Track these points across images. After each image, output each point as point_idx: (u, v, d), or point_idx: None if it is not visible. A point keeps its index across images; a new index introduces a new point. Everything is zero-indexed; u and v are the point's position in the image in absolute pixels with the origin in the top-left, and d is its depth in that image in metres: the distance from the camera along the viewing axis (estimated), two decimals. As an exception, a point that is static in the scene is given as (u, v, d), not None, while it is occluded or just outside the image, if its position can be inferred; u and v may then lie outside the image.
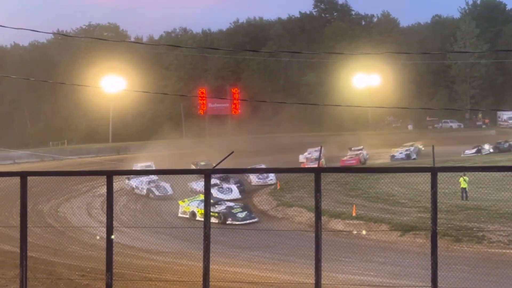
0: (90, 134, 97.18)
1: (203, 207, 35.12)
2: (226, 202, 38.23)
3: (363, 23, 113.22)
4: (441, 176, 12.57)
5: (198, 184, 42.18)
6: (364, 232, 29.82)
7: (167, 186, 44.92)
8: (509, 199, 32.00)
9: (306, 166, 53.90)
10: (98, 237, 29.47)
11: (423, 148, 65.90)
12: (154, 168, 53.72)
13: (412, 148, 65.11)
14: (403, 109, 71.32)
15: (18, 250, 14.17)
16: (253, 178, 49.89)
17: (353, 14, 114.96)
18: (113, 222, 13.70)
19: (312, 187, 12.98)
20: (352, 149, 64.84)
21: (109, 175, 14.04)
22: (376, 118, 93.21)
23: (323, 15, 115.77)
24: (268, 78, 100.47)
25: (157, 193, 44.48)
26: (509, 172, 18.62)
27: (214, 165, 14.22)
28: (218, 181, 44.71)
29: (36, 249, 24.96)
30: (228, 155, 14.29)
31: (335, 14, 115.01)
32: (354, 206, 34.60)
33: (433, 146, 16.16)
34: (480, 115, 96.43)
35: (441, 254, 12.97)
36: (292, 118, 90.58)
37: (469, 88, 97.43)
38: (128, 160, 64.46)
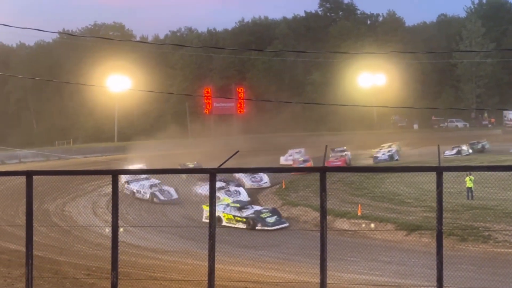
0: (96, 133, 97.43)
1: (229, 212, 34.59)
2: (252, 206, 36.79)
3: (369, 22, 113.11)
4: (446, 175, 12.53)
5: (203, 188, 40.48)
6: (372, 225, 29.71)
7: (171, 190, 43.20)
8: (515, 199, 31.95)
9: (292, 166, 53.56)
10: (107, 230, 29.56)
11: (400, 149, 65.41)
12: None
13: (394, 149, 64.27)
14: (409, 109, 71.15)
15: (24, 249, 14.19)
16: (247, 181, 48.33)
17: (359, 13, 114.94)
18: (119, 221, 13.69)
19: (317, 186, 12.95)
20: (336, 150, 63.62)
21: (114, 174, 14.05)
22: (382, 117, 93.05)
23: (328, 14, 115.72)
24: (273, 77, 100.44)
25: (161, 197, 42.91)
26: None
27: (219, 164, 14.18)
28: (223, 184, 43.56)
29: (42, 248, 25.02)
30: (233, 155, 14.28)
31: (340, 13, 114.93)
32: (359, 205, 34.58)
33: (438, 146, 16.15)
34: (486, 115, 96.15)
35: (446, 253, 12.92)
36: (297, 118, 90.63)
37: (475, 87, 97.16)
38: (131, 160, 64.18)
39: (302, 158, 58.28)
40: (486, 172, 31.79)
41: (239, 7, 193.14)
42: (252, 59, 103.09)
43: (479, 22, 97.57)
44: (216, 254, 13.13)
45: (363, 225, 31.22)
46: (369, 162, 61.51)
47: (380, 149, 65.37)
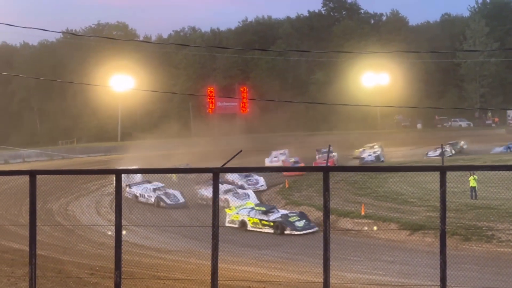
0: (99, 133, 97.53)
1: (254, 215, 33.61)
2: (278, 209, 34.97)
3: (372, 21, 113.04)
4: (450, 175, 12.51)
5: (209, 191, 40.36)
6: (375, 228, 29.66)
7: (177, 193, 41.73)
8: (518, 198, 31.92)
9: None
10: (109, 233, 29.59)
11: (383, 149, 64.97)
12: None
13: (379, 150, 63.62)
14: (412, 108, 71.05)
15: (27, 248, 14.21)
16: (242, 184, 46.71)
17: (362, 12, 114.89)
18: (122, 221, 13.70)
19: (321, 186, 12.95)
20: (321, 150, 61.84)
21: (118, 173, 14.06)
22: (385, 117, 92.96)
23: (332, 13, 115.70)
24: (276, 77, 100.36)
25: (168, 201, 41.22)
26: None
27: (223, 164, 14.18)
28: (230, 186, 42.74)
29: (46, 248, 25.03)
30: (236, 154, 14.28)
31: (344, 12, 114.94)
32: (362, 205, 34.58)
33: (442, 145, 16.11)
34: (489, 114, 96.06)
35: (450, 253, 12.91)
36: (300, 117, 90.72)
37: (478, 87, 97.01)
38: (126, 160, 63.69)
39: (293, 160, 57.30)
40: (489, 172, 31.72)
41: (243, 7, 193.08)
42: (256, 59, 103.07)
43: (483, 21, 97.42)
44: (219, 254, 13.12)
45: (366, 227, 31.11)
46: (355, 163, 61.00)
47: (364, 150, 64.73)
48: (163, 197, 41.63)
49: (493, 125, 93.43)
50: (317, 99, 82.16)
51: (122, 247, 13.63)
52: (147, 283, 20.32)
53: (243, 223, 34.01)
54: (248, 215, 34.06)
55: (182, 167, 48.70)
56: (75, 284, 21.14)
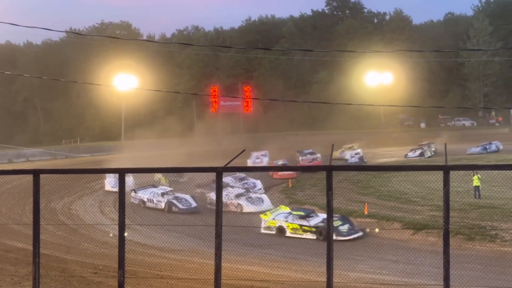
0: (103, 132, 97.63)
1: (293, 221, 31.56)
2: (317, 213, 32.48)
3: (376, 20, 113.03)
4: (453, 174, 12.51)
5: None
6: (377, 230, 29.60)
7: (188, 197, 39.68)
8: (522, 198, 31.85)
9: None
10: (111, 235, 29.60)
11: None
12: (127, 174, 47.88)
13: (360, 151, 62.14)
14: (416, 107, 70.95)
15: (31, 248, 14.23)
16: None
17: (365, 11, 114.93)
18: (125, 220, 13.72)
19: (324, 185, 12.95)
20: (304, 152, 61.15)
21: (122, 173, 14.07)
22: (388, 116, 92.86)
23: (335, 13, 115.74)
24: (280, 76, 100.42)
25: (180, 206, 38.92)
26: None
27: (226, 163, 14.18)
28: (243, 190, 41.03)
29: (49, 247, 25.09)
30: (239, 154, 14.28)
31: (347, 12, 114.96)
32: (366, 204, 34.56)
33: (445, 145, 16.11)
34: (493, 113, 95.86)
35: (453, 252, 12.90)
36: (303, 116, 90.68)
37: (482, 86, 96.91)
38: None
39: (281, 162, 55.93)
40: (493, 171, 31.69)
41: (246, 6, 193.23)
42: (259, 58, 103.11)
43: (486, 20, 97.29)
44: (222, 253, 13.13)
45: (368, 230, 30.98)
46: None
47: (343, 151, 63.90)
48: (175, 201, 39.44)
49: (497, 124, 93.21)
50: (321, 98, 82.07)
51: (125, 246, 13.64)
52: (151, 282, 20.34)
53: (281, 230, 31.74)
54: (286, 221, 31.82)
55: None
56: (79, 283, 21.17)
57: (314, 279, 18.78)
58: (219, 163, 15.33)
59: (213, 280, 13.06)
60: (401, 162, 57.61)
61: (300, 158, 59.81)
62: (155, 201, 40.36)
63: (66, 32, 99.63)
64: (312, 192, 40.65)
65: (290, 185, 45.26)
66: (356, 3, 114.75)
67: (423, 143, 65.72)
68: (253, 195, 39.88)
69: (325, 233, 27.14)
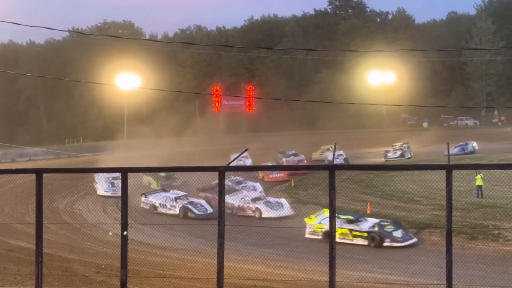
0: (105, 131, 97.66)
1: (341, 226, 28.52)
2: (365, 217, 30.55)
3: (378, 20, 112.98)
4: (456, 173, 12.50)
5: (233, 198, 36.92)
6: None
7: (203, 202, 37.55)
8: (525, 197, 31.83)
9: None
10: (110, 233, 29.66)
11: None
12: (119, 177, 45.57)
13: (342, 151, 59.50)
14: (418, 107, 70.88)
15: (33, 247, 14.26)
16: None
17: (368, 11, 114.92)
18: (128, 219, 13.74)
19: (327, 184, 12.95)
20: (287, 153, 59.67)
21: (124, 172, 14.09)
22: (391, 115, 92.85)
23: (337, 12, 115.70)
24: (282, 75, 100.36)
25: (196, 211, 36.42)
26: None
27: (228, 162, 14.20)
28: (260, 194, 39.44)
29: (52, 246, 25.11)
30: (242, 153, 14.31)
31: (349, 11, 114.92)
32: (368, 203, 34.55)
33: (448, 144, 16.10)
34: (496, 112, 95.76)
35: (456, 252, 12.90)
36: (306, 116, 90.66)
37: (485, 85, 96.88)
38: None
39: (270, 163, 56.06)
40: (496, 170, 31.67)
41: (248, 5, 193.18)
42: (261, 57, 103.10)
43: (489, 19, 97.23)
44: (225, 252, 13.14)
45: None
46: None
47: (322, 152, 62.70)
48: (190, 206, 37.05)
49: (500, 123, 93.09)
50: (323, 98, 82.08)
51: (128, 245, 13.66)
52: (153, 282, 20.36)
53: (328, 235, 29.65)
54: None
55: (163, 174, 45.14)
56: (82, 282, 21.21)
57: (317, 278, 18.76)
58: (218, 162, 15.35)
59: (216, 279, 13.07)
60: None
61: (283, 159, 58.31)
62: (168, 206, 38.06)
63: (69, 31, 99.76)
64: (314, 192, 40.66)
65: (293, 185, 45.25)
66: (359, 2, 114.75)
67: (398, 143, 64.51)
68: (271, 199, 37.87)
69: (379, 239, 27.97)
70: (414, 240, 28.36)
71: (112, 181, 43.92)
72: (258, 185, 43.46)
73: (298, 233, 30.48)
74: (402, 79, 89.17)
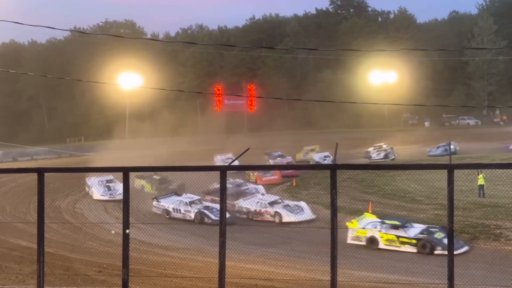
0: (107, 130, 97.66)
1: (386, 231, 27.78)
2: (411, 223, 28.87)
3: (380, 19, 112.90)
4: (458, 173, 12.49)
5: (248, 202, 36.70)
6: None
7: (219, 207, 36.64)
8: (527, 197, 31.81)
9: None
10: (113, 232, 29.66)
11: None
12: (114, 181, 43.37)
13: (328, 153, 59.30)
14: (420, 106, 70.80)
15: (35, 246, 14.25)
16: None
17: (370, 10, 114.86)
18: (130, 218, 13.74)
19: (328, 184, 12.94)
20: (272, 155, 59.05)
21: (126, 171, 14.08)
22: (393, 115, 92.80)
23: (339, 11, 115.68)
24: (284, 74, 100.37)
25: (213, 217, 34.08)
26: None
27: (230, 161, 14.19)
28: (276, 197, 37.69)
29: (54, 245, 25.15)
30: (244, 152, 14.29)
31: (351, 10, 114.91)
32: (370, 203, 34.53)
33: (449, 143, 16.07)
34: (497, 112, 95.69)
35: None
36: (307, 115, 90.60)
37: (486, 85, 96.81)
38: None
39: (271, 162, 54.92)
40: (497, 170, 31.65)
41: (250, 5, 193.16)
42: (263, 57, 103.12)
43: (491, 19, 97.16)
44: (226, 252, 13.13)
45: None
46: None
47: (307, 153, 62.84)
48: (206, 212, 35.10)
49: (501, 123, 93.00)
50: (325, 97, 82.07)
51: (129, 244, 13.66)
52: (155, 281, 20.37)
53: (372, 240, 27.93)
54: (379, 231, 28.11)
55: (158, 177, 43.84)
56: (83, 281, 21.22)
57: (318, 277, 18.75)
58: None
59: (217, 278, 13.06)
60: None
61: (269, 160, 57.53)
62: (182, 211, 36.34)
63: (71, 30, 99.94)
64: (316, 191, 40.68)
65: (294, 184, 45.25)
66: (360, 1, 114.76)
67: (379, 144, 64.43)
68: (289, 203, 36.35)
69: (430, 246, 26.47)
70: (466, 248, 26.46)
71: (107, 184, 43.24)
72: (260, 187, 42.56)
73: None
74: (404, 79, 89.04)
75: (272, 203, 36.10)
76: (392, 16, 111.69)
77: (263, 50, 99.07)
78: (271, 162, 57.17)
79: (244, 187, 42.06)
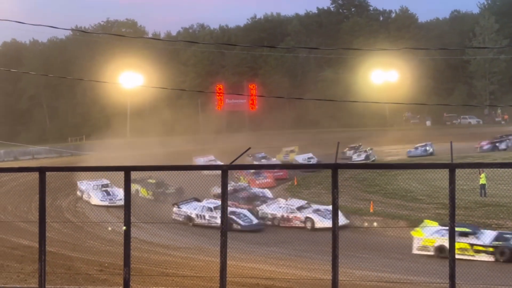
0: (108, 130, 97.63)
1: (458, 239, 23.82)
2: (482, 229, 27.14)
3: (381, 18, 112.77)
4: (459, 172, 12.48)
5: (272, 207, 35.39)
6: (375, 224, 29.31)
7: (246, 212, 34.37)
8: (528, 196, 31.78)
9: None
10: (109, 228, 29.68)
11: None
12: (111, 186, 41.93)
13: (311, 154, 58.96)
14: (421, 105, 70.72)
15: (36, 245, 14.26)
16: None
17: (371, 9, 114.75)
18: (131, 218, 13.74)
19: (329, 183, 12.93)
20: (257, 156, 57.90)
21: (127, 170, 14.08)
22: (394, 114, 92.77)
23: (340, 10, 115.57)
24: (285, 74, 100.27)
25: (242, 222, 33.02)
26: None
27: (231, 161, 14.16)
28: (303, 202, 35.96)
29: (55, 244, 25.14)
30: (245, 152, 14.28)
31: (352, 9, 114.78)
32: (371, 202, 34.54)
33: (451, 143, 16.06)
34: (499, 111, 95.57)
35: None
36: (309, 114, 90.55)
37: (488, 84, 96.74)
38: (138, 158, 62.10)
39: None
40: (499, 169, 31.63)
41: (251, 4, 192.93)
42: (264, 56, 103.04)
43: (492, 18, 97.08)
44: (228, 251, 13.13)
45: (366, 224, 30.80)
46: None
47: (287, 154, 62.24)
48: (234, 217, 33.01)
49: (503, 122, 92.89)
50: (326, 96, 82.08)
51: (131, 243, 13.66)
52: (156, 280, 20.37)
53: (441, 250, 25.29)
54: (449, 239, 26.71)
55: (153, 181, 42.20)
56: (84, 280, 21.22)
57: (319, 276, 18.75)
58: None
59: (219, 277, 13.06)
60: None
61: (254, 162, 55.37)
62: (207, 217, 34.34)
63: (72, 30, 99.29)
64: (317, 190, 40.70)
65: (296, 183, 45.27)
66: (362, 1, 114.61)
67: (354, 144, 64.21)
68: (319, 207, 34.54)
69: (509, 253, 24.94)
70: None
71: (105, 189, 41.78)
72: (267, 191, 40.94)
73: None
74: (405, 78, 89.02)
75: (299, 208, 34.64)
76: (393, 15, 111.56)
77: (265, 49, 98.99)
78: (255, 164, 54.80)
79: (251, 191, 40.82)
